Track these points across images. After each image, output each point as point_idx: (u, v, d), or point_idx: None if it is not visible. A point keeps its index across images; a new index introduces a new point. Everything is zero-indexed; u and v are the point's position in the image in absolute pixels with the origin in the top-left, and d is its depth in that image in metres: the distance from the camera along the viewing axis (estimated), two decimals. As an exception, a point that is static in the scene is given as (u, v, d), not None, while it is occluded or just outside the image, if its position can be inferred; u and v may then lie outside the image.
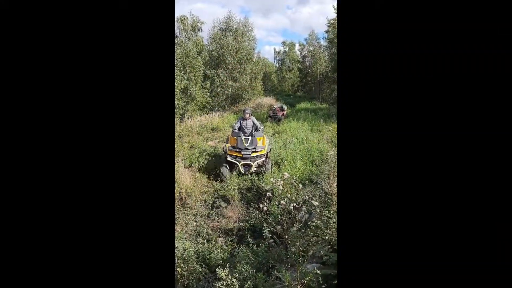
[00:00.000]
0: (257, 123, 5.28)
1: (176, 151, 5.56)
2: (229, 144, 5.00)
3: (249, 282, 1.73)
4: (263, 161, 4.79)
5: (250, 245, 2.48)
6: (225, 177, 4.55)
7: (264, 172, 4.67)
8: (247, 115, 5.23)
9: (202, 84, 13.08)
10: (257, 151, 4.80)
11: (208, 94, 13.46)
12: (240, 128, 5.19)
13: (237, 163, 4.66)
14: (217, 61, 14.76)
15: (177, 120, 10.23)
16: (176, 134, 7.80)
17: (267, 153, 5.05)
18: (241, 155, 4.70)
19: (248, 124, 5.22)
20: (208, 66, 14.42)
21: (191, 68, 12.18)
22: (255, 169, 4.69)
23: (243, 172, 4.59)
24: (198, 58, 12.89)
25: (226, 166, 4.74)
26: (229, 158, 4.74)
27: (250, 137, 4.92)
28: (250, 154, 4.70)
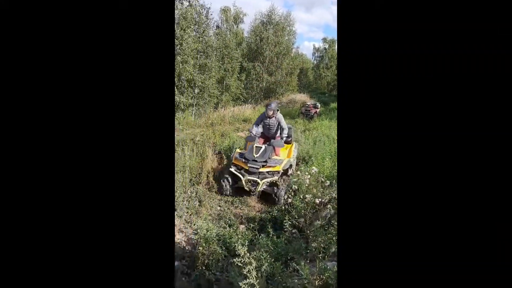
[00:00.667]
0: (283, 123, 3.94)
1: (207, 137, 5.73)
2: (238, 150, 3.91)
3: (266, 265, 1.74)
4: (277, 181, 3.47)
5: (271, 235, 2.49)
6: (225, 191, 3.58)
7: (278, 200, 3.32)
8: (271, 112, 3.88)
9: (238, 75, 13.28)
10: (270, 166, 3.51)
11: (243, 86, 13.62)
12: (264, 128, 4.05)
13: (241, 176, 3.48)
14: (255, 53, 14.84)
15: (210, 109, 10.52)
16: (209, 121, 8.04)
17: (287, 169, 3.64)
18: (247, 167, 3.50)
19: (272, 123, 3.96)
20: (246, 58, 14.56)
21: (229, 59, 12.39)
22: (265, 187, 3.49)
23: (247, 189, 3.47)
24: (236, 50, 13.07)
25: (227, 178, 3.59)
26: (232, 169, 3.58)
27: (263, 146, 3.68)
28: (257, 169, 3.46)
